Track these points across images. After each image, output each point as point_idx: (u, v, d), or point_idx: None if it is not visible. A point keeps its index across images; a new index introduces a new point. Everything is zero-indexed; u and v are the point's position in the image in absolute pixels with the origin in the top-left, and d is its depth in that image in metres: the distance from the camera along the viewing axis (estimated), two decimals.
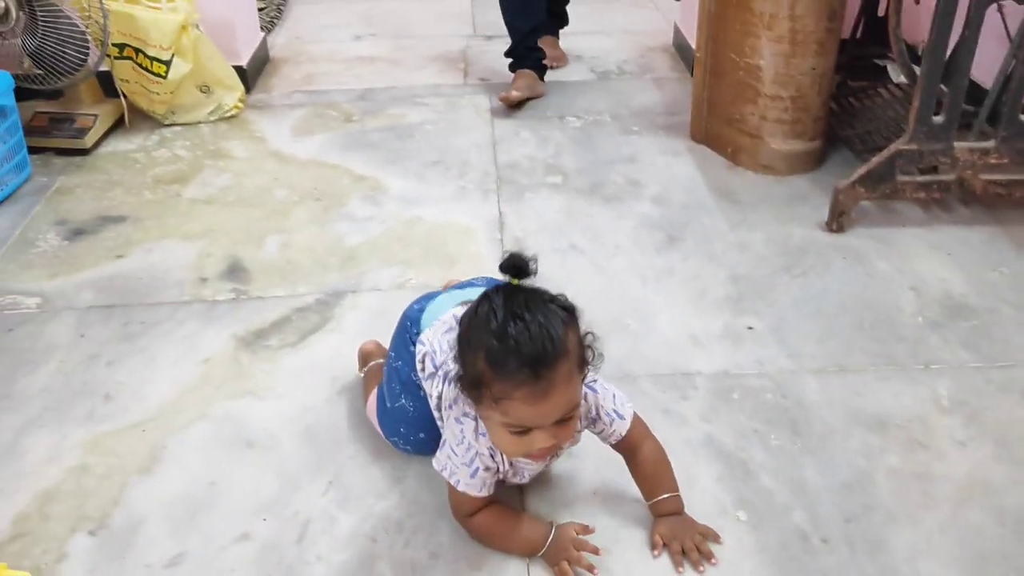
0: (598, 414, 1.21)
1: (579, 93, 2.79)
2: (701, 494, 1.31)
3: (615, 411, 1.21)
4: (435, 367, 1.20)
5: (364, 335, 1.60)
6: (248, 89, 2.75)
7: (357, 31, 3.41)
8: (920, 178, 1.94)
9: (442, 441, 1.20)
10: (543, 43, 2.82)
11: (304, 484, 1.34)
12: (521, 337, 1.00)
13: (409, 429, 1.33)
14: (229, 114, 2.60)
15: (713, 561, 1.21)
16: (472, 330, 1.06)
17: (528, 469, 1.23)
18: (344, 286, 1.82)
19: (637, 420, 1.25)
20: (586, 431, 1.24)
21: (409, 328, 1.33)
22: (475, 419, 1.14)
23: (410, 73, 2.98)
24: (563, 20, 3.05)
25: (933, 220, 2.03)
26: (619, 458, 1.28)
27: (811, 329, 1.68)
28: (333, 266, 1.89)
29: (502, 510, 1.23)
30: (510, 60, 2.78)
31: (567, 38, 3.09)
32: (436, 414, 1.23)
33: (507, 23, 2.74)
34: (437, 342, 1.21)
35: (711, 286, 1.82)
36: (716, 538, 1.24)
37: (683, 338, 1.66)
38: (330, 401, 1.51)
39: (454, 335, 1.13)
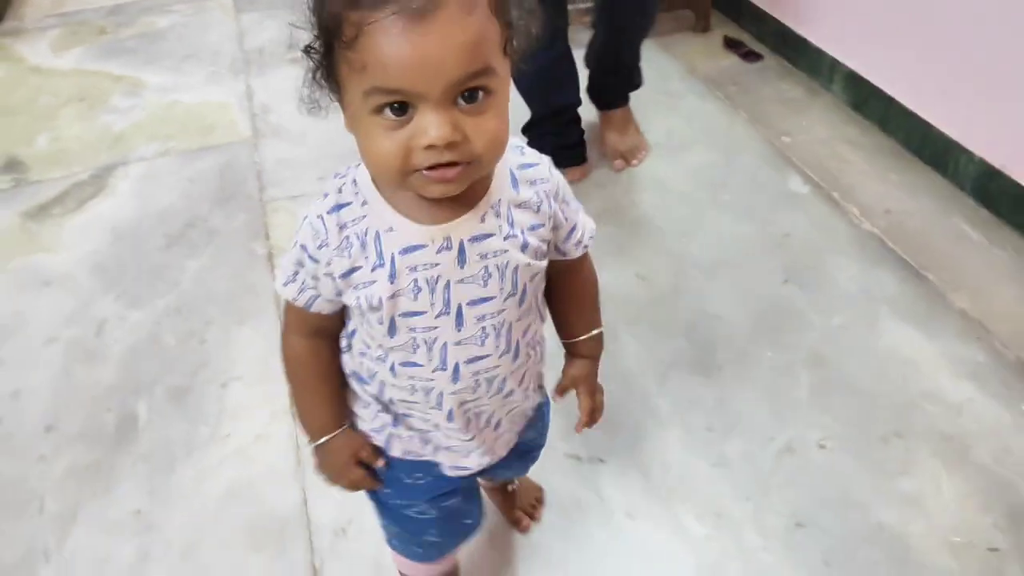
0: (566, 202, 0.79)
1: None
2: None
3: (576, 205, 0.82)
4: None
5: (136, 194, 1.91)
6: None
7: None
8: None
9: None
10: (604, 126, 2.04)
11: (97, 299, 1.67)
12: None
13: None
14: None
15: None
16: None
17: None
18: (114, 161, 2.11)
19: None
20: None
21: None
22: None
23: None
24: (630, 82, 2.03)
25: None
26: None
27: None
28: (103, 148, 2.17)
29: (327, 361, 0.84)
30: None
31: None
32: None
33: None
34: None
35: None
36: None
37: None
38: (113, 244, 1.82)
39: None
